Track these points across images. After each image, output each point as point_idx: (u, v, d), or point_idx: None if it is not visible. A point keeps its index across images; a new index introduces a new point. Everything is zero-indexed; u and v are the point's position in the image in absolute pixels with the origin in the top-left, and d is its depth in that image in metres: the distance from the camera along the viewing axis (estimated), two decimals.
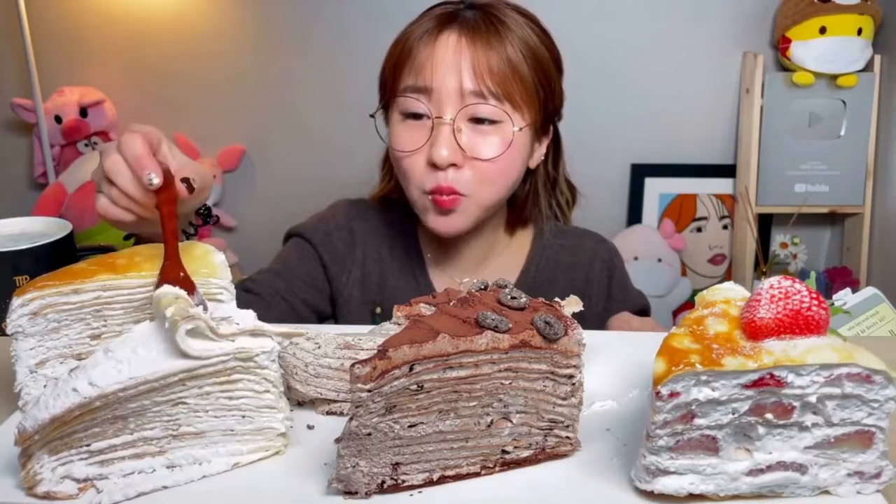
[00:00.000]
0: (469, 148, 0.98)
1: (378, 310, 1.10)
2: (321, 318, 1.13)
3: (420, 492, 0.58)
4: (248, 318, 0.61)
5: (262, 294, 1.05)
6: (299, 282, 1.09)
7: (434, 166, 0.98)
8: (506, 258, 1.15)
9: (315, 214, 1.18)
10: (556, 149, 1.14)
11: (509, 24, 1.00)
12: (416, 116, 1.00)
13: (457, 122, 0.98)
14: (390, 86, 1.03)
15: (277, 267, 1.11)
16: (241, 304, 1.02)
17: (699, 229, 2.27)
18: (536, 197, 1.14)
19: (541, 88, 1.02)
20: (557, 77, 1.07)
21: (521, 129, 1.00)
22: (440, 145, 0.97)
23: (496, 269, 1.13)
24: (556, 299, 0.65)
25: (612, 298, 1.15)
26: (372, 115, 1.07)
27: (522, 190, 1.12)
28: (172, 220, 0.68)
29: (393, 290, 1.12)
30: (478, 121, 0.98)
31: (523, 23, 1.02)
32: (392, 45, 1.04)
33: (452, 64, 0.97)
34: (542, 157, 1.10)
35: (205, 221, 0.87)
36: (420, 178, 1.00)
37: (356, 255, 1.13)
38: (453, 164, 0.98)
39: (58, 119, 2.16)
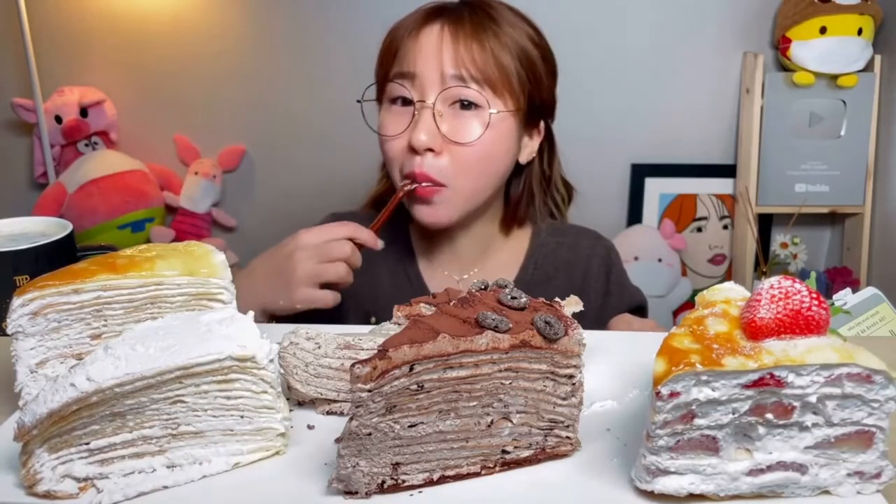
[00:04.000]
0: (448, 132, 1.00)
1: (373, 319, 1.11)
2: None
3: (420, 492, 0.58)
4: (248, 321, 0.61)
5: None
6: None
7: (413, 150, 1.00)
8: (502, 257, 1.15)
9: None
10: (549, 147, 1.16)
11: (495, 16, 1.04)
12: (403, 103, 1.04)
13: (438, 106, 1.00)
14: (380, 77, 1.08)
15: None
16: None
17: (699, 229, 2.27)
18: (531, 195, 1.15)
19: (525, 79, 1.05)
20: (546, 72, 1.09)
21: (498, 111, 1.02)
22: (419, 130, 0.99)
23: (493, 268, 1.13)
24: (557, 299, 0.65)
25: (610, 295, 1.15)
26: (358, 101, 1.10)
27: (517, 188, 1.13)
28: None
29: (386, 298, 1.12)
30: (460, 106, 1.01)
31: (513, 19, 1.05)
32: (383, 39, 1.09)
33: (434, 51, 1.01)
34: (535, 154, 1.12)
35: None
36: (399, 161, 1.03)
37: None
38: (431, 150, 1.00)
39: (58, 119, 2.16)
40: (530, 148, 1.11)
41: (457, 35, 1.01)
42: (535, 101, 1.07)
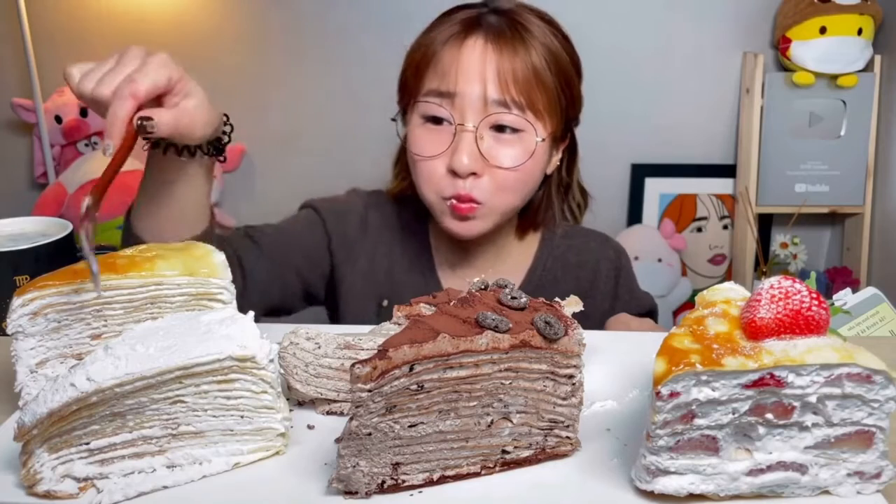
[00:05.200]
0: (490, 156, 0.98)
1: (385, 302, 1.10)
2: (307, 296, 1.13)
3: (420, 492, 0.58)
4: (248, 321, 0.61)
5: (261, 243, 1.06)
6: (298, 249, 1.10)
7: (454, 173, 0.98)
8: (514, 259, 1.15)
9: (332, 196, 1.19)
10: (570, 154, 1.14)
11: (533, 30, 1.00)
12: (437, 121, 1.00)
13: (479, 130, 0.98)
14: (412, 88, 1.03)
15: (284, 226, 1.11)
16: (239, 246, 1.04)
17: (699, 229, 2.27)
18: (549, 202, 1.13)
19: (563, 96, 1.03)
20: (578, 82, 1.07)
21: (543, 139, 1.00)
22: (462, 153, 0.97)
23: (504, 271, 1.13)
24: (557, 299, 0.65)
25: (619, 299, 1.15)
26: (393, 119, 1.08)
27: (537, 196, 1.12)
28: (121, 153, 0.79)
29: (401, 286, 1.12)
30: (500, 128, 0.99)
31: (546, 29, 1.02)
32: (414, 47, 1.04)
33: (478, 71, 0.97)
34: (557, 163, 1.10)
35: (209, 153, 0.87)
36: (438, 184, 1.01)
37: (365, 245, 1.13)
38: (473, 173, 0.98)
39: (58, 119, 2.16)
40: (556, 159, 1.09)
41: (500, 54, 0.97)
42: (570, 114, 1.06)
